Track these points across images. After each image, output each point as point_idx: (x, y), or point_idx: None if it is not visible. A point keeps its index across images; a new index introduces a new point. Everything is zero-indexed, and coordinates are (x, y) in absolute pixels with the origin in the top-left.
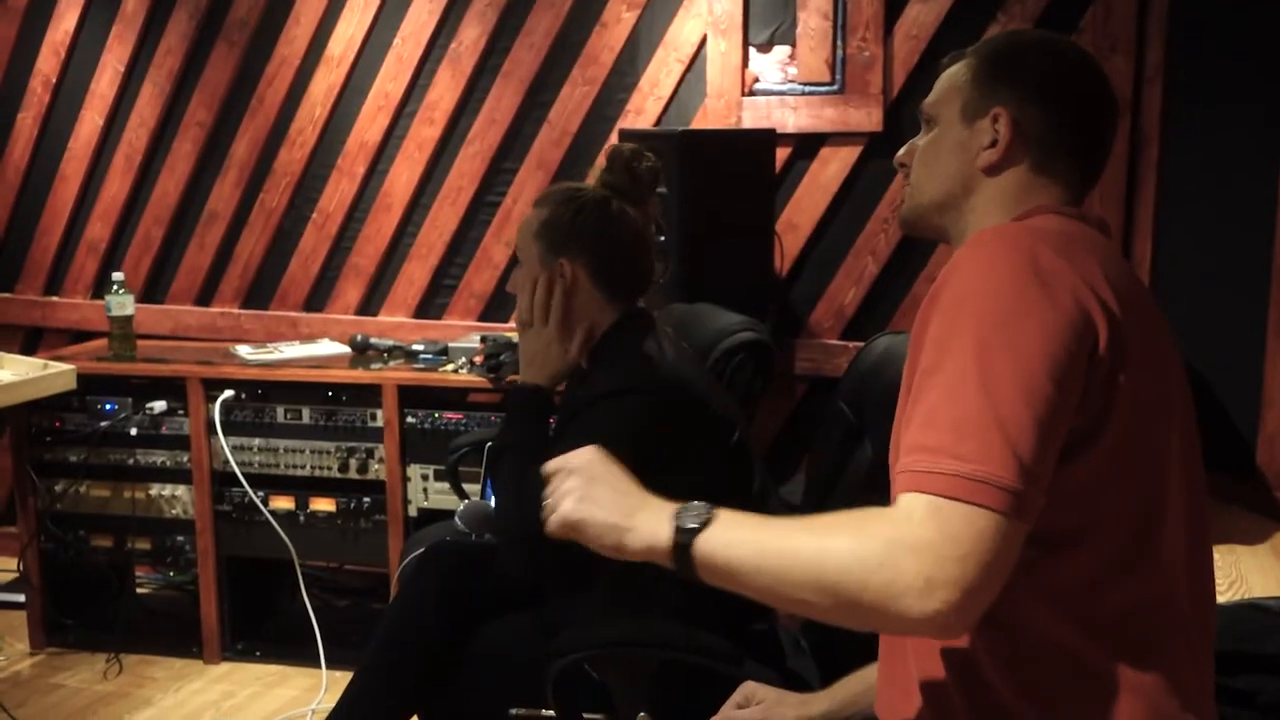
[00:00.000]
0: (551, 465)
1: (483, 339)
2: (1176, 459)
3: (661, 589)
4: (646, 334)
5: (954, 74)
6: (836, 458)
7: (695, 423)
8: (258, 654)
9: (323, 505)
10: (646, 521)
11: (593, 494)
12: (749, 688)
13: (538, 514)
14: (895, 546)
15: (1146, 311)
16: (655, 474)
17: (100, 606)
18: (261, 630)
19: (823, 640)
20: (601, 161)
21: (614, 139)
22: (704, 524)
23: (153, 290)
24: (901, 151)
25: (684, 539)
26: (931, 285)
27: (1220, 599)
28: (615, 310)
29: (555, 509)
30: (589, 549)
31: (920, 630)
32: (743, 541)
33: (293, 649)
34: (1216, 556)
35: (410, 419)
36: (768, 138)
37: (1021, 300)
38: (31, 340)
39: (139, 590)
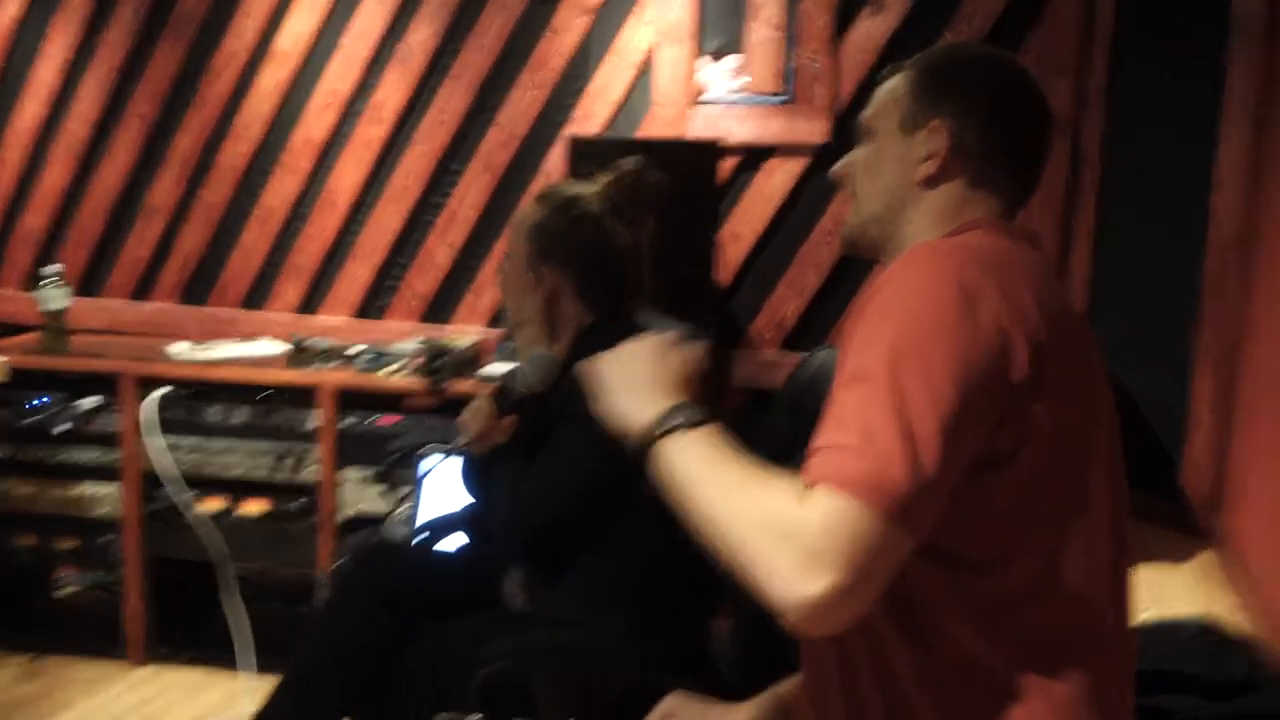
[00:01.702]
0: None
1: (423, 343)
2: (1100, 478)
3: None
4: (625, 332)
5: (893, 87)
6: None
7: None
8: (182, 657)
9: (254, 507)
10: (644, 400)
11: (630, 356)
12: (673, 700)
13: (534, 511)
14: (781, 523)
15: (1073, 331)
16: (626, 473)
17: (21, 607)
18: (187, 633)
19: (752, 650)
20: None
21: (561, 144)
22: (677, 428)
23: (90, 283)
24: (838, 165)
25: (658, 429)
26: (866, 290)
27: (1141, 618)
28: (592, 315)
29: (602, 357)
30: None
31: (785, 615)
32: (692, 460)
33: (219, 653)
34: (1139, 576)
35: (346, 422)
36: (711, 150)
37: (942, 317)
38: None
39: (61, 590)
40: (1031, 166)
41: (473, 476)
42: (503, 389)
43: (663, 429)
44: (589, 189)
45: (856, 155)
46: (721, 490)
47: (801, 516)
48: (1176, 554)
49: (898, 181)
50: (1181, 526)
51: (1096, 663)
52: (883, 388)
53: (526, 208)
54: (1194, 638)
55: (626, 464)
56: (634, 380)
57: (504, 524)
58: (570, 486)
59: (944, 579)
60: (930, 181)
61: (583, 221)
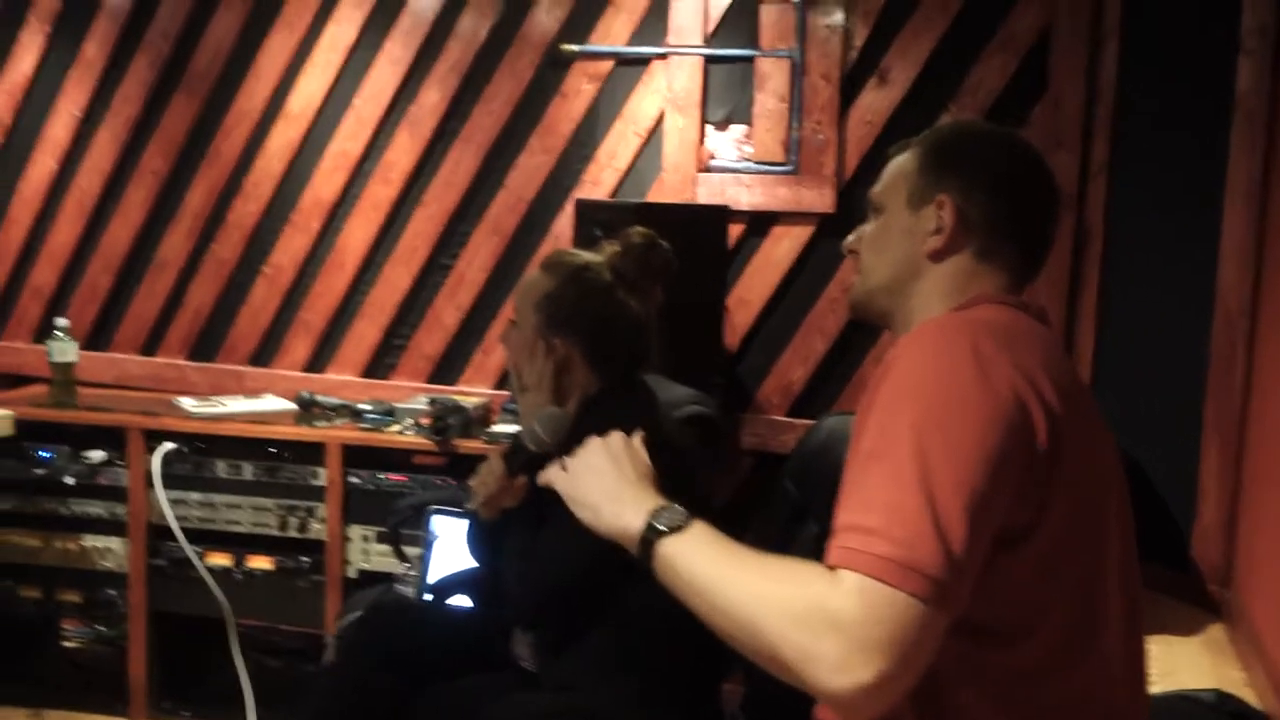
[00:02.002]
0: (588, 442)
1: (431, 401)
2: (1114, 551)
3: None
4: (632, 400)
5: (901, 163)
6: (782, 534)
7: (675, 484)
8: (185, 713)
9: (260, 563)
10: (626, 507)
11: (594, 473)
12: None
13: (545, 577)
14: (819, 615)
15: (1083, 403)
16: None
17: (25, 659)
18: (191, 689)
19: (764, 716)
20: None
21: (569, 208)
22: (674, 529)
23: (98, 338)
24: (850, 238)
25: (651, 535)
26: (879, 367)
27: (1152, 690)
28: (600, 381)
29: (557, 472)
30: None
31: (829, 701)
32: (701, 559)
33: (223, 709)
34: (1149, 647)
35: (354, 479)
36: (721, 214)
37: (961, 392)
38: None
39: (66, 644)
40: (1038, 241)
41: (480, 540)
42: (513, 449)
43: (654, 534)
44: (597, 258)
45: (865, 229)
46: (743, 587)
47: (841, 607)
48: (1186, 626)
49: (905, 255)
50: (1191, 598)
51: None
52: (905, 464)
53: (534, 275)
54: (1210, 710)
55: None
56: (603, 491)
57: (516, 590)
58: (581, 551)
59: (962, 653)
60: (937, 255)
61: (594, 293)
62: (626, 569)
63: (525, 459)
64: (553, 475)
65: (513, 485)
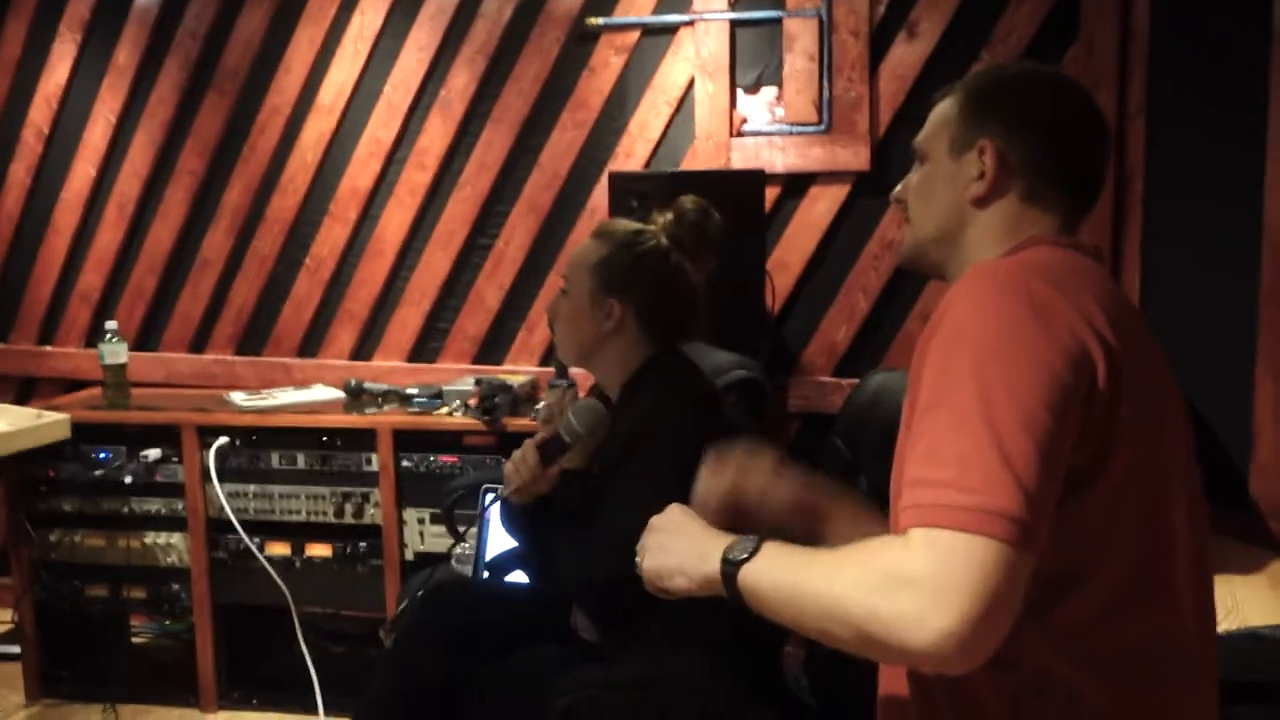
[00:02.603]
0: (651, 522)
1: (477, 381)
2: (1179, 489)
3: (700, 625)
4: (682, 371)
5: (943, 109)
6: None
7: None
8: (255, 702)
9: (319, 550)
10: (704, 560)
11: (667, 545)
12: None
13: (605, 565)
14: (893, 579)
15: (1142, 342)
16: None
17: (96, 657)
18: (258, 678)
19: (824, 679)
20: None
21: (604, 181)
22: (747, 557)
23: (146, 338)
24: (897, 188)
25: (729, 570)
26: (924, 321)
27: (1219, 629)
28: (650, 349)
29: (642, 563)
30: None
31: (925, 662)
32: (777, 573)
33: (290, 696)
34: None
35: (405, 463)
36: (757, 178)
37: (1018, 335)
38: (25, 390)
39: (135, 639)
40: (1087, 180)
41: (513, 521)
42: (548, 439)
43: (732, 569)
44: (651, 226)
45: (911, 178)
46: (819, 584)
47: (914, 563)
48: (1248, 564)
49: (951, 202)
50: (1251, 536)
51: (1180, 681)
52: (970, 412)
53: (586, 243)
54: (1275, 646)
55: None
56: (681, 556)
57: (578, 584)
58: (638, 535)
59: (1028, 600)
60: (982, 201)
61: (650, 256)
62: None
63: (560, 448)
64: (644, 569)
65: (546, 474)
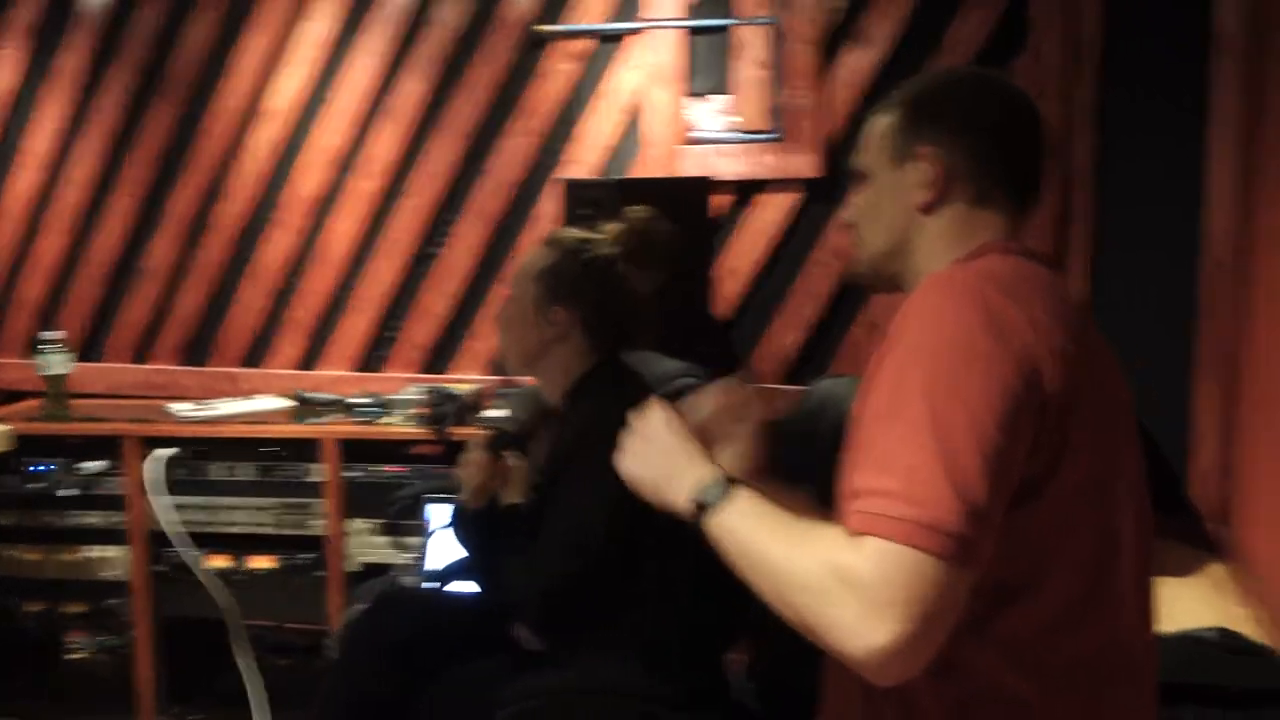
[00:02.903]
0: (633, 423)
1: (425, 391)
2: (1127, 498)
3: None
4: (622, 379)
5: (879, 125)
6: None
7: None
8: (196, 717)
9: (261, 562)
10: (678, 486)
11: (646, 455)
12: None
13: (554, 570)
14: (840, 581)
15: (1095, 351)
16: (640, 517)
17: (31, 673)
18: (199, 692)
19: (770, 684)
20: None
21: (553, 189)
22: (717, 504)
23: (90, 348)
24: (845, 212)
25: (698, 513)
26: (871, 329)
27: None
28: (594, 357)
29: (620, 464)
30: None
31: (857, 666)
32: (743, 534)
33: (232, 710)
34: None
35: (352, 473)
36: (703, 185)
37: (972, 347)
38: None
39: (72, 655)
40: (1029, 178)
41: (468, 529)
42: (494, 435)
43: (701, 511)
44: (598, 235)
45: (855, 199)
46: (776, 559)
47: (858, 568)
48: (1187, 568)
49: (899, 214)
50: (1191, 540)
51: (1125, 689)
52: (921, 424)
53: (533, 251)
54: (1213, 648)
55: (636, 507)
56: (657, 471)
57: (523, 594)
58: (587, 537)
59: (974, 609)
60: (929, 207)
61: (595, 265)
62: (629, 548)
63: (506, 440)
64: (621, 470)
65: (499, 468)
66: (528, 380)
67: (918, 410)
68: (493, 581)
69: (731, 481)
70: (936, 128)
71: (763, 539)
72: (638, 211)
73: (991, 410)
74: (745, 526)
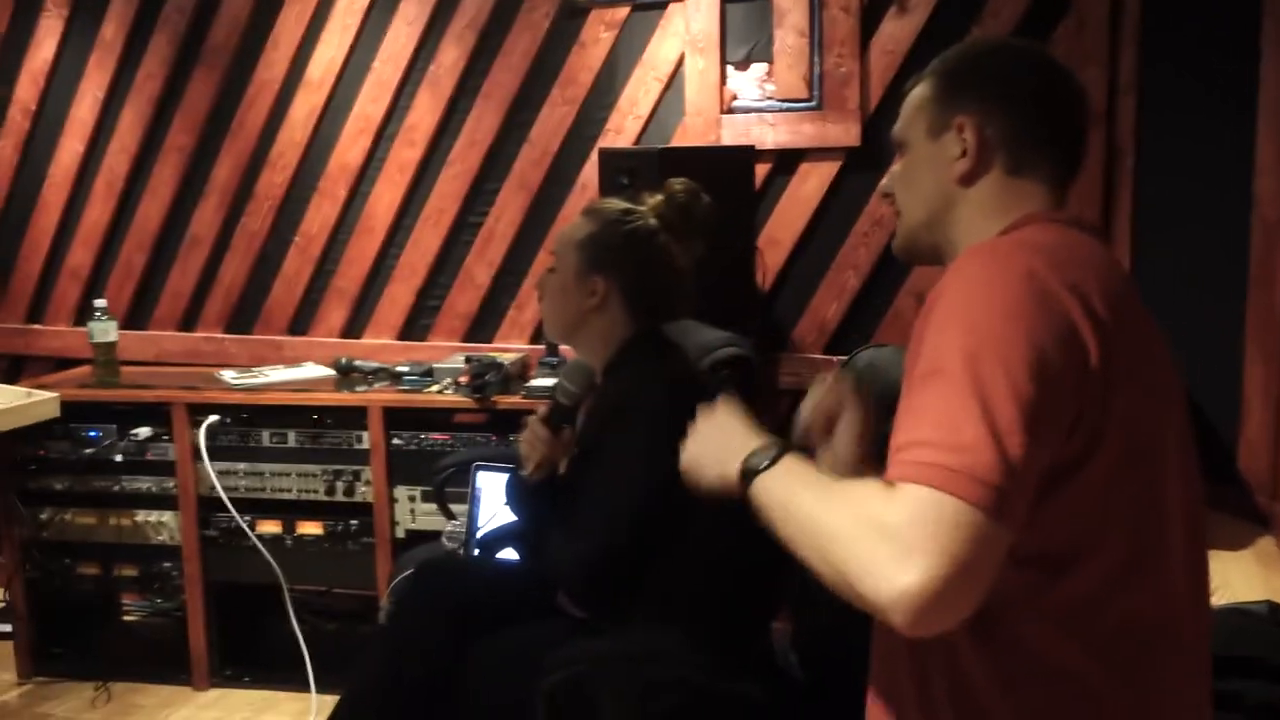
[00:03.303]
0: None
1: (468, 359)
2: (1174, 468)
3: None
4: (661, 351)
5: (916, 95)
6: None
7: None
8: (246, 679)
9: (310, 529)
10: (732, 459)
11: (707, 435)
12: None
13: (594, 540)
14: (871, 527)
15: (1141, 321)
16: (680, 488)
17: (87, 634)
18: (250, 655)
19: (813, 654)
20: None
21: (594, 158)
22: (761, 468)
23: (136, 316)
24: (884, 181)
25: (745, 478)
26: (915, 298)
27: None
28: (633, 327)
29: (683, 452)
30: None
31: (888, 613)
32: (784, 492)
33: (281, 674)
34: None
35: (396, 440)
36: (747, 154)
37: (1013, 313)
38: (14, 369)
39: (126, 617)
40: (1068, 145)
41: (523, 500)
42: (552, 408)
43: (749, 476)
44: (639, 206)
45: (894, 169)
46: (819, 513)
47: (890, 513)
48: (1236, 540)
49: (937, 185)
50: (1240, 512)
51: (1174, 659)
52: (961, 380)
53: (575, 221)
54: (1261, 621)
55: (676, 477)
56: (713, 454)
57: (564, 565)
58: (625, 506)
59: (1021, 580)
60: (967, 179)
61: (637, 235)
62: (670, 518)
63: (563, 413)
64: (684, 454)
65: (558, 441)
66: (568, 351)
67: (957, 370)
68: (534, 550)
69: (782, 451)
70: (972, 97)
71: (800, 496)
72: (678, 184)
73: (1030, 368)
74: (784, 485)
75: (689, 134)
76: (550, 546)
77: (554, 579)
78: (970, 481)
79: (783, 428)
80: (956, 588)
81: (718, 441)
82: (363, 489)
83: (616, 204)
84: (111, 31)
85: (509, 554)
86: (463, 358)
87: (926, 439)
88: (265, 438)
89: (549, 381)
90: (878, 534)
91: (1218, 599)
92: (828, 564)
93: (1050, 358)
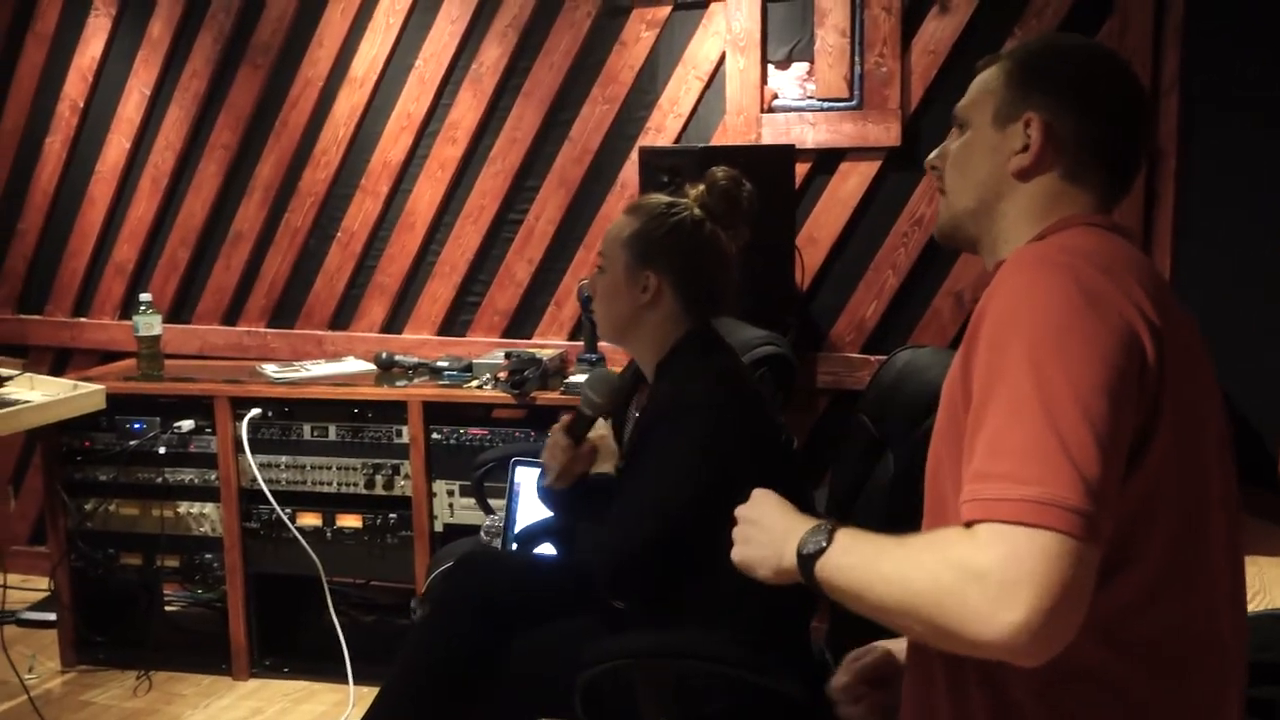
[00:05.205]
0: (737, 512)
1: (507, 355)
2: (1215, 474)
3: (727, 596)
4: (712, 349)
5: (987, 78)
6: (859, 470)
7: (759, 431)
8: (286, 670)
9: (349, 521)
10: (787, 550)
11: (752, 537)
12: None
13: (633, 533)
14: (961, 573)
15: (1182, 324)
16: (725, 485)
17: (130, 624)
18: (289, 646)
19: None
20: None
21: (634, 156)
22: (820, 550)
23: (179, 310)
24: (933, 154)
25: (805, 565)
26: (954, 299)
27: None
28: (686, 324)
29: (733, 555)
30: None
31: (998, 654)
32: (851, 568)
33: (320, 665)
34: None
35: (435, 435)
36: (787, 153)
37: (1071, 321)
38: (60, 361)
39: (168, 608)
40: (1128, 160)
41: (557, 505)
42: (573, 419)
43: (808, 564)
44: (682, 199)
45: (949, 146)
46: (892, 578)
47: (982, 557)
48: (1275, 545)
49: (991, 174)
50: (1277, 518)
51: (1212, 664)
52: (1026, 401)
53: (619, 219)
54: None
55: (718, 478)
56: (763, 548)
57: (603, 557)
58: (664, 504)
59: None
60: (1025, 174)
61: (683, 226)
62: (712, 514)
63: (585, 423)
64: (734, 555)
65: (581, 453)
66: (606, 348)
67: (1021, 389)
68: (571, 546)
69: (834, 527)
70: (1046, 94)
71: (871, 563)
72: (719, 172)
73: (1096, 383)
74: (850, 559)
75: (729, 133)
76: (584, 540)
77: (588, 570)
78: (1058, 512)
79: (819, 427)
80: (1064, 614)
81: (763, 537)
82: (402, 483)
83: (660, 198)
84: (158, 30)
85: (547, 549)
86: (502, 353)
87: (1004, 472)
88: (306, 431)
89: (584, 396)
90: (972, 579)
91: (1255, 605)
92: (922, 621)
93: (1114, 369)
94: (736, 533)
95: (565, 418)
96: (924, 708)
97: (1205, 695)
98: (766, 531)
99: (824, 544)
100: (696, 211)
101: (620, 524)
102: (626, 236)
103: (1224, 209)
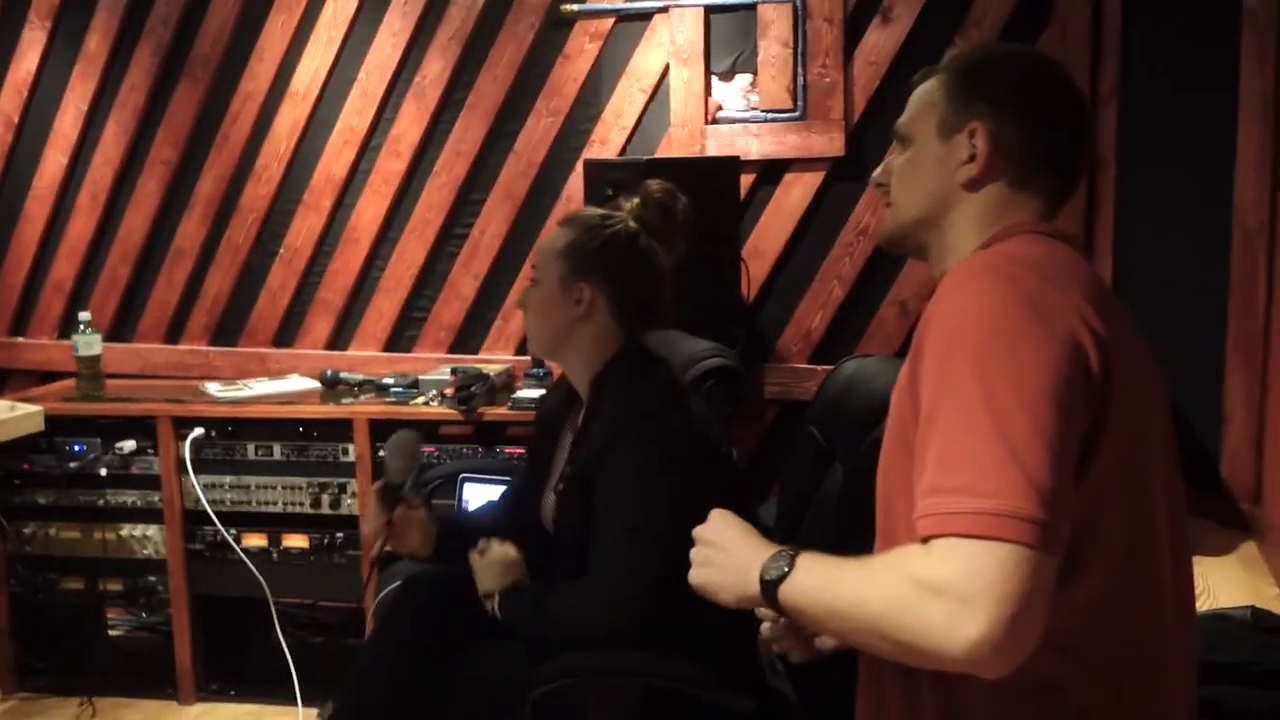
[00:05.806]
0: (695, 533)
1: (454, 370)
2: (1161, 478)
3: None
4: (648, 364)
5: (928, 90)
6: (808, 480)
7: (702, 446)
8: (233, 693)
9: (296, 542)
10: (749, 578)
11: (713, 560)
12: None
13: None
14: (920, 589)
15: (1127, 330)
16: (691, 492)
17: (73, 650)
18: (236, 669)
19: (801, 667)
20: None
21: (579, 169)
22: (782, 576)
23: (120, 329)
24: (878, 171)
25: (769, 591)
26: (899, 308)
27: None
28: (621, 338)
29: (690, 577)
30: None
31: (962, 666)
32: (814, 589)
33: (269, 687)
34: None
35: (382, 453)
36: (732, 164)
37: (1018, 331)
38: None
39: (111, 632)
40: (1073, 167)
41: (518, 616)
42: (382, 488)
43: (771, 589)
44: (617, 212)
45: (892, 161)
46: (855, 597)
47: (940, 571)
48: (1219, 545)
49: (938, 186)
50: (1222, 518)
51: (1164, 669)
52: (974, 413)
53: (554, 232)
54: (1242, 627)
55: (686, 479)
56: (725, 574)
57: (608, 610)
58: (653, 526)
59: None
60: (972, 184)
61: (618, 237)
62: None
63: (393, 491)
64: (692, 578)
65: (401, 517)
66: (552, 365)
67: (969, 400)
68: (552, 632)
69: (794, 554)
70: (988, 103)
71: (833, 585)
72: (654, 185)
73: (1045, 391)
74: (812, 581)
75: (674, 145)
76: (564, 612)
77: (593, 635)
78: (1014, 523)
79: (767, 438)
80: (1025, 624)
81: (727, 563)
82: (349, 501)
83: (594, 211)
84: (95, 43)
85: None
86: (448, 369)
87: (957, 485)
88: (250, 450)
89: (535, 393)
90: (931, 594)
91: (1201, 604)
92: (886, 639)
93: (1060, 376)
94: (695, 554)
95: (376, 487)
96: (878, 712)
97: (1157, 698)
98: (731, 557)
99: (786, 569)
100: (632, 224)
101: (612, 571)
102: (561, 248)
103: (1163, 215)
